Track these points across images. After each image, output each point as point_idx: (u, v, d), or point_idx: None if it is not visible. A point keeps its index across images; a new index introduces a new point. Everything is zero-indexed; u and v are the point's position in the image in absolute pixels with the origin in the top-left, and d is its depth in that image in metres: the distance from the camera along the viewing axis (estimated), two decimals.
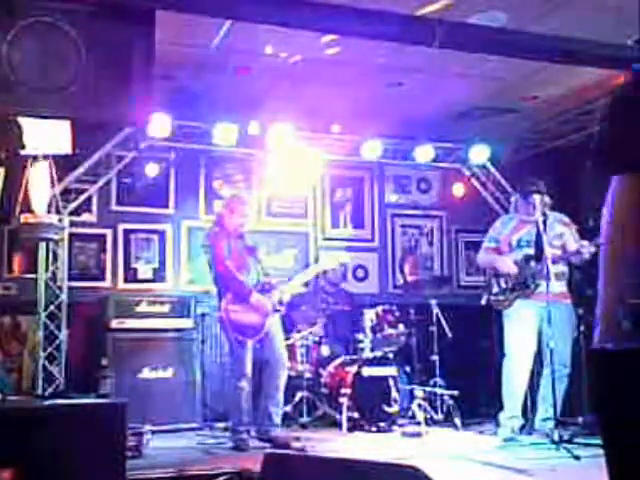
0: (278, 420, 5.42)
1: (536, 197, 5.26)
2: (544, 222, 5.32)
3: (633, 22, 4.82)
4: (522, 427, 5.39)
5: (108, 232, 7.16)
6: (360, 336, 6.63)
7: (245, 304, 5.36)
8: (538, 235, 5.34)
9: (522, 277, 5.37)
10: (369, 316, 6.58)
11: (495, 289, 5.53)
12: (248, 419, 5.38)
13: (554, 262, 5.10)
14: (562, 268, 5.35)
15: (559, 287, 5.19)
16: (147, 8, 4.32)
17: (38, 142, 4.73)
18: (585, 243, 5.12)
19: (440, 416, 6.38)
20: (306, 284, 5.93)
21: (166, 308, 6.55)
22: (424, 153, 7.60)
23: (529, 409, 5.66)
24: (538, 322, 5.31)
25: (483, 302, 5.63)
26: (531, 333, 5.33)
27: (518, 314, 5.40)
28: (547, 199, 5.41)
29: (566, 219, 5.53)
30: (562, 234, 5.36)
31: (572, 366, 5.31)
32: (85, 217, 7.04)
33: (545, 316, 5.13)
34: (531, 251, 5.39)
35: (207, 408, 6.57)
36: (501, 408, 5.46)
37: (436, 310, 6.65)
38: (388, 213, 8.34)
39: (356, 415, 6.05)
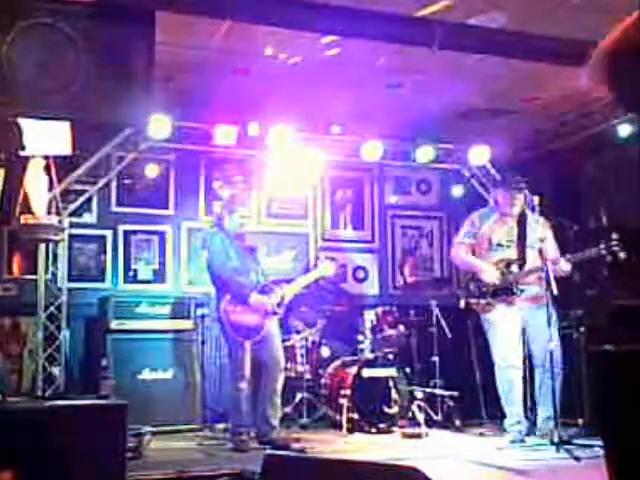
0: (276, 423, 5.40)
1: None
2: (525, 220, 5.27)
3: None
4: (528, 431, 5.35)
5: (108, 233, 7.16)
6: (360, 337, 6.63)
7: (244, 305, 5.36)
8: (520, 236, 5.29)
9: (505, 283, 5.28)
10: (369, 317, 6.58)
11: (474, 291, 5.42)
12: (248, 420, 5.38)
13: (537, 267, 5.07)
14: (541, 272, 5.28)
15: (540, 290, 5.15)
16: (147, 9, 4.33)
17: (38, 143, 4.72)
18: (562, 260, 5.09)
19: (440, 417, 6.38)
20: (307, 286, 5.92)
21: (166, 309, 6.55)
22: (424, 154, 7.60)
23: (528, 411, 5.64)
24: (522, 325, 5.29)
25: (462, 306, 5.52)
26: (519, 338, 5.28)
27: (503, 320, 5.31)
28: (534, 198, 5.32)
29: (547, 223, 5.46)
30: (543, 239, 5.25)
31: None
32: (85, 218, 7.05)
33: (529, 319, 5.13)
34: (512, 253, 5.33)
35: (207, 409, 6.56)
36: (503, 415, 5.43)
37: (436, 311, 6.65)
38: (388, 214, 8.34)
39: (356, 416, 6.05)
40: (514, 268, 5.26)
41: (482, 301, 5.38)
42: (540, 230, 5.30)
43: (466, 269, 5.59)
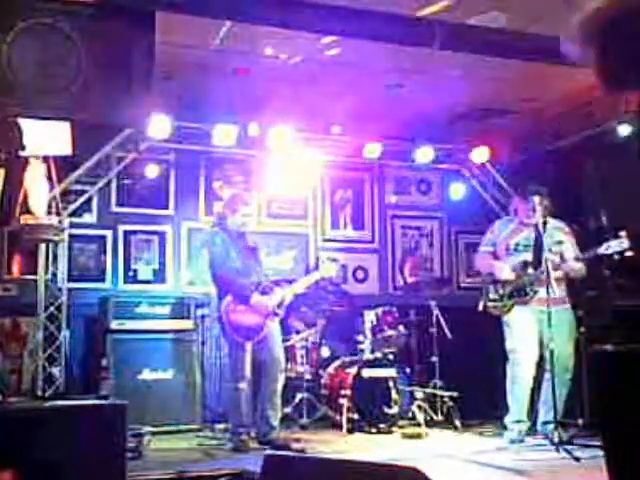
0: (276, 423, 5.40)
1: (536, 199, 5.25)
2: (544, 226, 5.31)
3: None
4: (528, 431, 5.37)
5: (108, 233, 7.16)
6: (360, 337, 6.63)
7: (245, 305, 5.35)
8: (537, 240, 5.33)
9: (520, 284, 5.34)
10: (369, 317, 6.58)
11: (492, 295, 5.50)
12: (248, 420, 5.38)
13: (553, 268, 5.09)
14: (561, 273, 5.31)
15: (559, 292, 5.17)
16: (147, 9, 4.33)
17: (38, 143, 4.73)
18: (571, 259, 5.16)
19: (440, 417, 6.39)
20: (308, 287, 5.91)
21: (166, 309, 6.54)
22: (424, 154, 7.60)
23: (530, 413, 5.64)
24: (538, 327, 5.30)
25: (480, 308, 5.60)
26: (533, 339, 5.31)
27: (518, 321, 5.37)
28: (548, 203, 5.39)
29: (566, 228, 5.51)
30: (561, 242, 5.31)
31: (573, 369, 5.30)
32: (85, 218, 7.05)
33: (545, 321, 5.12)
34: (529, 256, 5.37)
35: (207, 409, 6.56)
36: (505, 412, 5.45)
37: (436, 311, 6.65)
38: (388, 214, 8.34)
39: (356, 416, 6.05)
40: (530, 269, 5.30)
41: (499, 304, 5.46)
42: (558, 235, 5.36)
43: (485, 271, 5.69)
